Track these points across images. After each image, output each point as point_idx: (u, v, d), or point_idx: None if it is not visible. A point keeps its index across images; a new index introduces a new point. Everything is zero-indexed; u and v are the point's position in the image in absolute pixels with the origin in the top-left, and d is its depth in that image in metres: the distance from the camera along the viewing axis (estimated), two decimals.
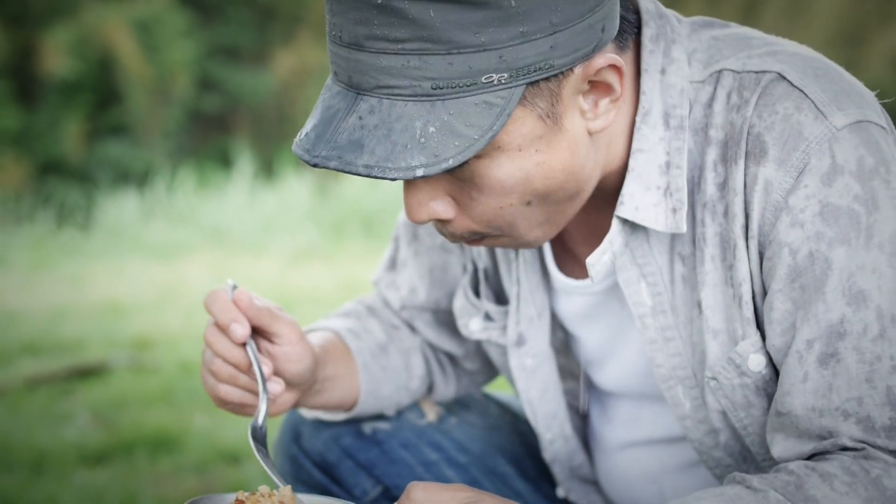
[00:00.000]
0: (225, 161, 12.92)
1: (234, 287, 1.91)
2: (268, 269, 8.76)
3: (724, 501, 1.64)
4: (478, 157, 1.63)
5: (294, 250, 9.72)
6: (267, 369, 1.89)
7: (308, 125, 1.64)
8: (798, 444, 1.71)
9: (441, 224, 1.74)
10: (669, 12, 1.83)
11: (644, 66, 1.78)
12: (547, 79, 1.61)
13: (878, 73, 12.85)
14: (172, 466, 4.07)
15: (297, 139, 1.65)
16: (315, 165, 1.61)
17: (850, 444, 1.67)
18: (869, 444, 1.67)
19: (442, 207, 1.70)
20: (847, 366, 1.67)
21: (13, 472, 3.92)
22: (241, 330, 1.88)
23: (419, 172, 1.57)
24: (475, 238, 1.76)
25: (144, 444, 4.24)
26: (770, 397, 1.78)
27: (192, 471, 4.03)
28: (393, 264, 2.21)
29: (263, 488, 1.72)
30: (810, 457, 1.71)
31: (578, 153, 1.68)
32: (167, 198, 11.40)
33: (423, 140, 1.57)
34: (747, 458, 1.86)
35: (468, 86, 1.57)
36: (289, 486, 1.74)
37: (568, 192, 1.70)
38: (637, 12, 1.79)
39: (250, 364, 1.88)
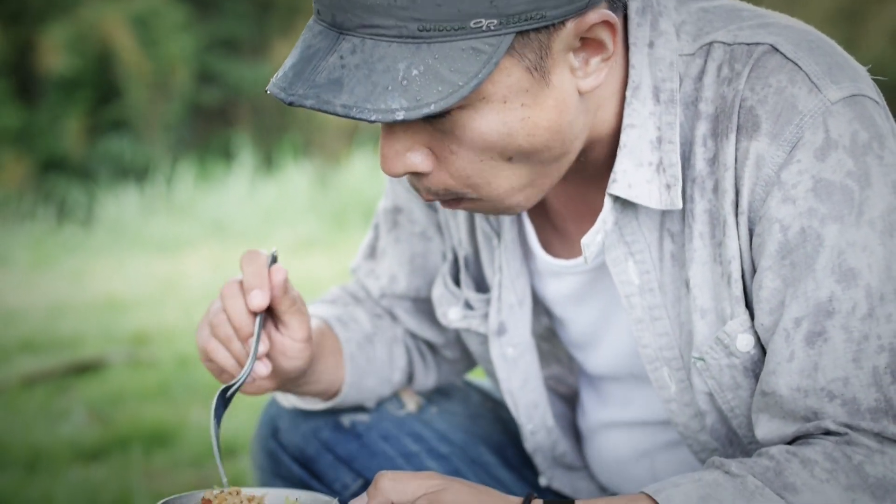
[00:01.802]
0: (226, 154, 12.94)
1: (275, 259, 1.86)
2: None
3: (702, 487, 1.60)
4: (461, 106, 1.58)
5: (295, 241, 9.71)
6: (263, 348, 1.84)
7: (287, 64, 1.59)
8: (782, 425, 1.67)
9: (416, 179, 1.68)
10: None
11: (632, 39, 1.73)
12: (537, 30, 1.56)
13: (877, 50, 12.80)
14: (168, 461, 4.06)
15: (273, 78, 1.59)
16: (291, 104, 1.55)
17: (833, 427, 1.63)
18: (852, 428, 1.63)
19: (419, 159, 1.64)
20: (834, 345, 1.63)
21: (8, 471, 3.91)
22: (260, 299, 1.82)
23: (399, 116, 1.52)
24: (451, 198, 1.70)
25: (140, 440, 4.24)
26: (757, 378, 1.74)
27: (188, 465, 4.02)
28: (372, 252, 2.17)
29: (233, 489, 1.68)
30: (793, 440, 1.67)
31: (567, 112, 1.63)
32: (168, 192, 11.42)
33: (405, 83, 1.52)
34: (733, 441, 1.82)
35: (456, 30, 1.52)
36: (265, 491, 1.70)
37: (553, 152, 1.65)
38: None
39: (250, 333, 1.83)
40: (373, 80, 1.52)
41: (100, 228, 10.71)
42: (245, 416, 4.57)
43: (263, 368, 1.84)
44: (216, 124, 14.74)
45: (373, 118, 1.51)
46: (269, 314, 1.87)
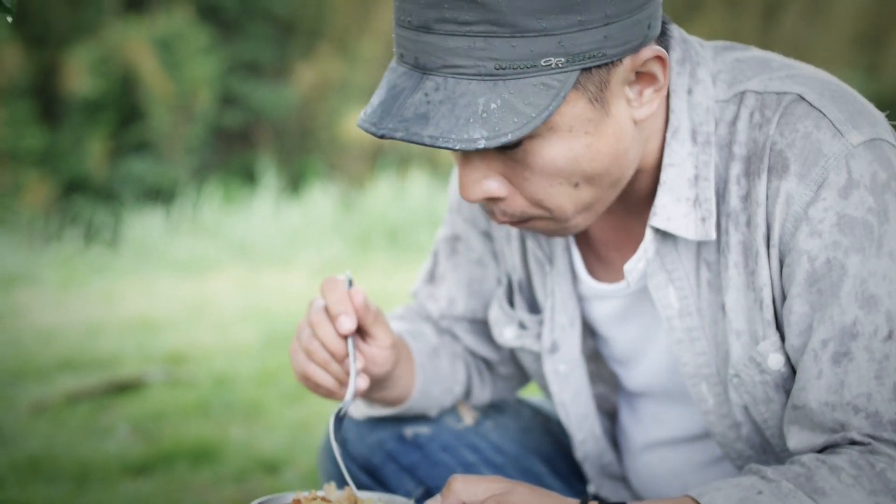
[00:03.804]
0: (249, 176, 13.02)
1: (351, 281, 2.02)
2: (295, 282, 8.87)
3: (741, 490, 1.78)
4: (531, 136, 1.76)
5: (320, 263, 9.80)
6: (360, 364, 2.01)
7: (374, 101, 1.77)
8: (811, 436, 1.85)
9: (493, 203, 1.86)
10: (693, 39, 1.97)
11: (672, 87, 1.92)
12: (599, 66, 1.75)
13: None
14: (212, 476, 4.17)
15: (362, 115, 1.79)
16: (382, 137, 1.73)
17: (858, 438, 1.81)
18: (876, 439, 1.81)
19: (495, 185, 1.83)
20: (858, 364, 1.81)
21: (59, 484, 4.03)
22: (349, 324, 1.98)
23: (480, 144, 1.70)
24: (523, 219, 1.88)
25: (184, 456, 4.36)
26: (788, 393, 1.91)
27: (231, 480, 4.14)
28: (431, 278, 2.34)
29: (324, 490, 1.86)
30: (822, 450, 1.85)
31: (623, 139, 1.82)
32: (193, 214, 11.51)
33: (484, 115, 1.70)
34: (767, 449, 1.99)
35: (528, 67, 1.71)
36: (349, 487, 1.88)
37: (612, 177, 1.84)
38: (664, 37, 1.91)
39: (345, 355, 2.00)
40: (456, 114, 1.71)
41: (126, 249, 10.80)
42: (284, 435, 4.72)
43: (363, 383, 2.01)
44: (238, 146, 14.82)
45: (457, 147, 1.70)
46: (356, 330, 2.04)
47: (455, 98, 1.71)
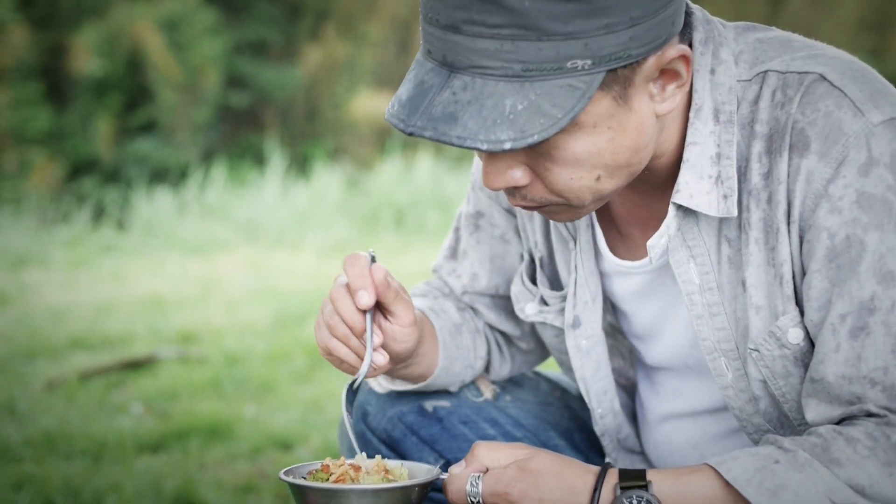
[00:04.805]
0: (256, 156, 13.06)
1: (374, 258, 2.04)
2: (303, 263, 8.92)
3: (758, 460, 1.84)
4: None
5: (328, 244, 9.86)
6: (378, 340, 2.04)
7: (402, 96, 1.81)
8: (829, 408, 1.89)
9: (514, 189, 1.90)
10: (716, 19, 2.00)
11: (695, 66, 1.95)
12: (624, 66, 1.78)
13: None
14: (226, 453, 4.23)
15: (389, 109, 1.81)
16: (411, 134, 1.77)
17: (874, 410, 1.85)
18: (891, 411, 1.85)
19: (518, 175, 1.86)
20: (875, 338, 1.85)
21: (76, 460, 4.09)
22: (367, 299, 2.00)
23: (507, 146, 1.74)
24: (540, 205, 1.91)
25: (198, 433, 4.42)
26: (806, 367, 1.95)
27: (245, 457, 4.19)
28: (453, 253, 2.38)
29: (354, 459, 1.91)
30: (839, 422, 1.89)
31: (645, 133, 1.86)
32: (200, 194, 11.56)
33: (511, 116, 1.74)
34: (784, 423, 2.03)
35: (555, 70, 1.74)
36: (378, 457, 1.95)
37: (632, 168, 1.88)
38: (687, 18, 1.95)
39: (363, 330, 2.02)
40: (483, 115, 1.74)
41: (134, 230, 10.86)
42: (296, 413, 4.76)
43: (381, 359, 2.04)
44: (244, 127, 14.86)
45: (484, 147, 1.74)
46: (378, 307, 2.06)
47: (483, 99, 1.75)
